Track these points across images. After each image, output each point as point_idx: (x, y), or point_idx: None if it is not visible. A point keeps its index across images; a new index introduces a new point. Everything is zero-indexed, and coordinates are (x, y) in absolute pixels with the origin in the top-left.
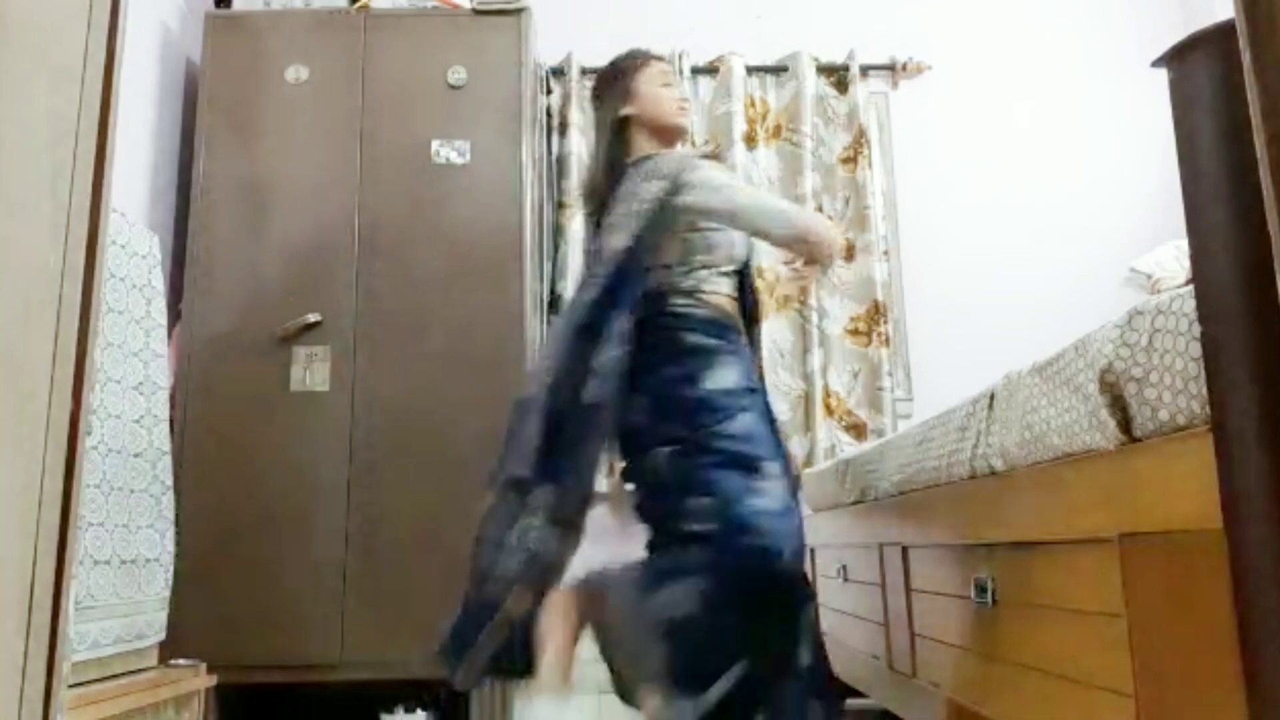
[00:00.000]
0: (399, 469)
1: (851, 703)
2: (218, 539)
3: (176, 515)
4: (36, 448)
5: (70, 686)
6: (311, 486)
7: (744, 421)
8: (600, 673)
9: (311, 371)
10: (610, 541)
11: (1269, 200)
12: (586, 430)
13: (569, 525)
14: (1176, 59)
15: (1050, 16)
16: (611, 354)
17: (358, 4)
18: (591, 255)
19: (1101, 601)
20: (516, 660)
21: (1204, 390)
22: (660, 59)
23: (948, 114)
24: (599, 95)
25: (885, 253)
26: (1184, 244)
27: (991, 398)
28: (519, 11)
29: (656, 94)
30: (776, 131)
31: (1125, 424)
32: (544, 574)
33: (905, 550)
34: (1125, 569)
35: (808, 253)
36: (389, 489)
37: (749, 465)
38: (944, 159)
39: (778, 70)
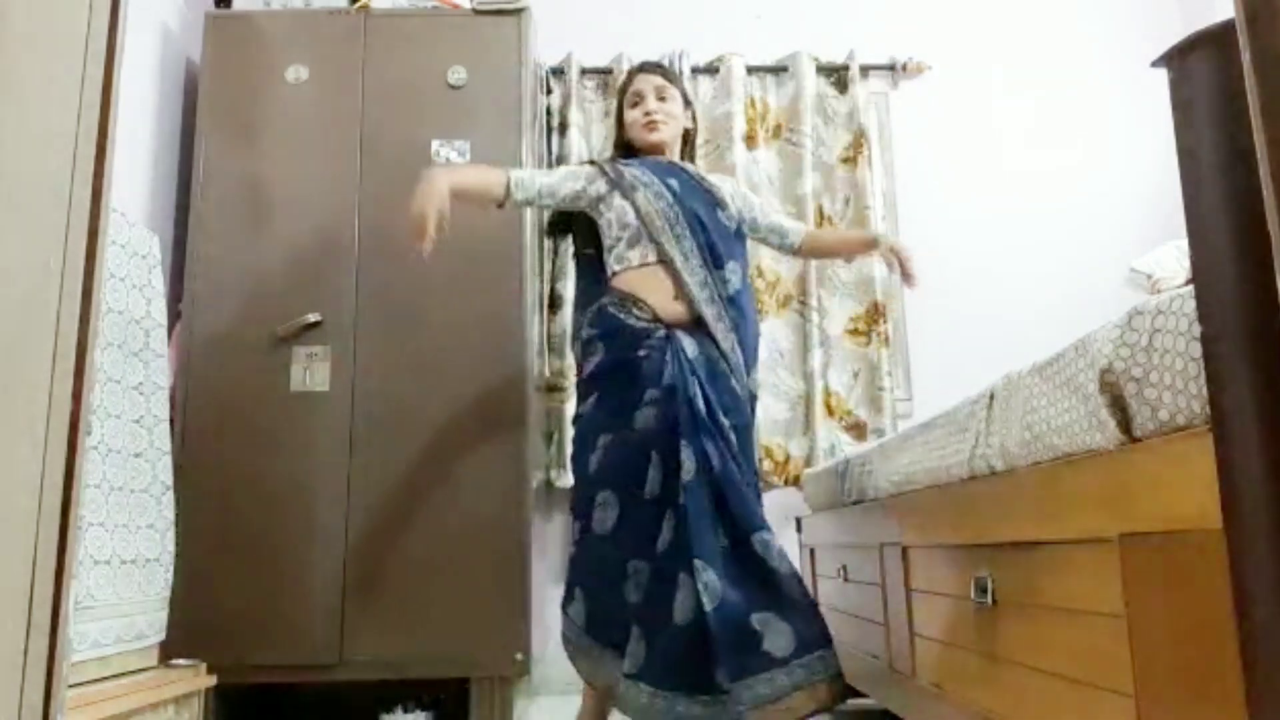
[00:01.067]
0: (399, 469)
1: (852, 703)
2: (218, 539)
3: (176, 515)
4: (36, 448)
5: (70, 686)
6: (311, 486)
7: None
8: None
9: (311, 371)
10: None
11: (1269, 200)
12: None
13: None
14: (1176, 59)
15: (1050, 17)
16: None
17: (358, 4)
18: None
19: (1101, 601)
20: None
21: (1204, 390)
22: (639, 71)
23: (948, 114)
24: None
25: None
26: (1184, 244)
27: (991, 398)
28: (519, 11)
29: (629, 118)
30: (776, 131)
31: (1125, 424)
32: None
33: (905, 550)
34: (1125, 569)
35: None
36: (389, 489)
37: None
38: (944, 159)
39: (778, 70)
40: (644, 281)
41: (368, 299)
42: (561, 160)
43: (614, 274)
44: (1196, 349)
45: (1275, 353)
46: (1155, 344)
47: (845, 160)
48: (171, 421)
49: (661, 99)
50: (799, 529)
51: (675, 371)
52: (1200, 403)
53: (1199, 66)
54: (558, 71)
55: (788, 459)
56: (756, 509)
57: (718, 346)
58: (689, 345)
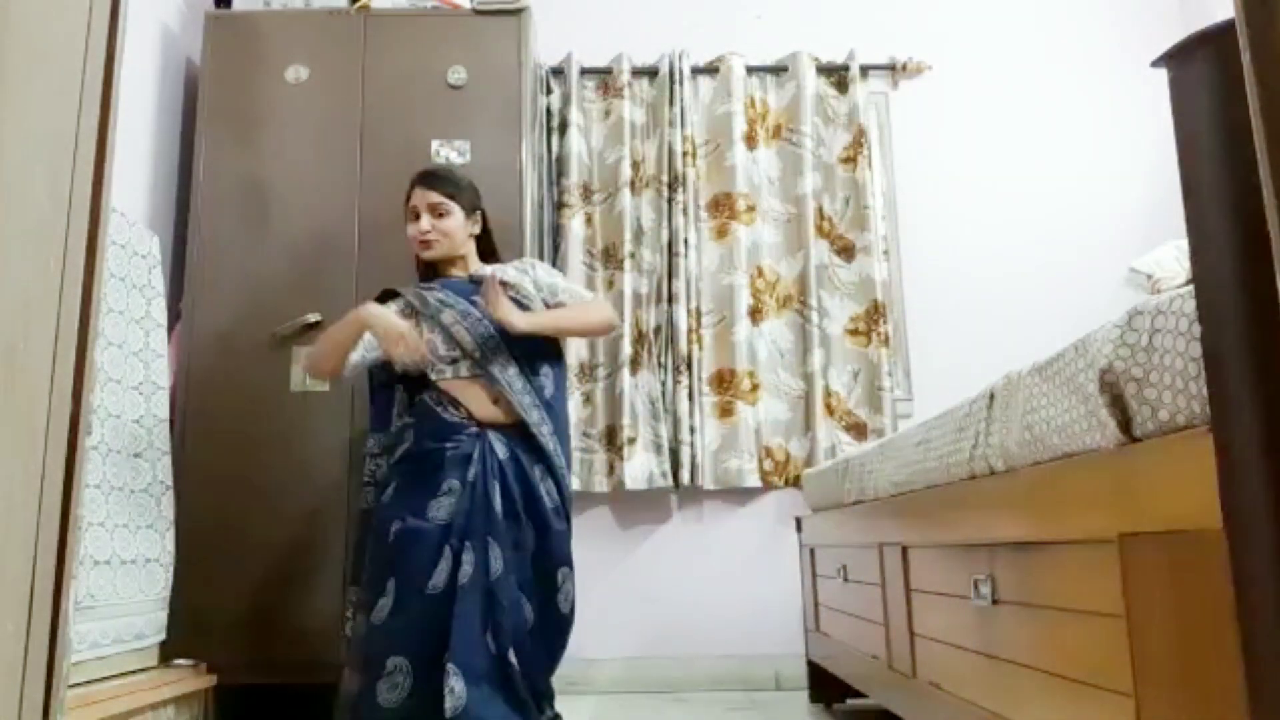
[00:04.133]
0: None
1: (851, 702)
2: (218, 539)
3: (176, 515)
4: (36, 448)
5: (70, 686)
6: (311, 486)
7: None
8: (599, 672)
9: None
10: None
11: (1269, 200)
12: (368, 534)
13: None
14: (1176, 59)
15: (1050, 17)
16: None
17: (358, 4)
18: None
19: (1101, 601)
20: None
21: (1204, 390)
22: (416, 183)
23: (948, 114)
24: None
25: (885, 253)
26: (1184, 244)
27: (991, 398)
28: (519, 11)
29: (408, 231)
30: (776, 131)
31: (1125, 424)
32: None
33: (905, 550)
34: (1125, 569)
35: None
36: None
37: None
38: (944, 159)
39: (778, 70)
40: (464, 389)
41: (367, 298)
42: (562, 160)
43: (436, 379)
44: (1196, 349)
45: (1275, 353)
46: (1155, 344)
47: (845, 160)
48: (171, 421)
49: (438, 215)
50: (799, 529)
51: (479, 470)
52: (1200, 403)
53: (1199, 66)
54: (558, 71)
55: (788, 459)
56: (519, 622)
57: (540, 449)
58: (500, 446)
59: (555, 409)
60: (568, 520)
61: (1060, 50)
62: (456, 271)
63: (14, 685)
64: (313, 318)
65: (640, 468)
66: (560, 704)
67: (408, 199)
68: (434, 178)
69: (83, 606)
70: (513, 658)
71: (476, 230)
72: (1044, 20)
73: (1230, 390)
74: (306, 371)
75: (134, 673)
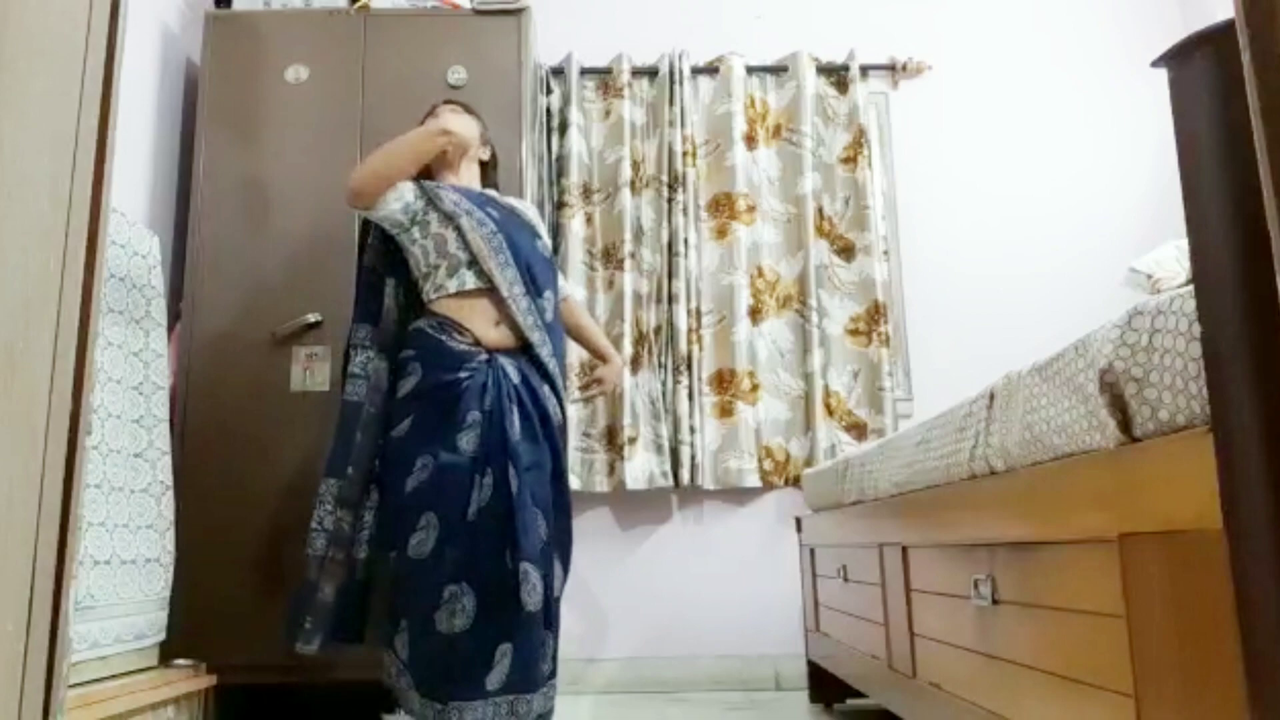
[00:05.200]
0: None
1: (851, 702)
2: (218, 539)
3: (176, 515)
4: (36, 448)
5: (70, 686)
6: (311, 487)
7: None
8: (599, 672)
9: (311, 372)
10: None
11: (1269, 200)
12: (350, 425)
13: (353, 507)
14: (1176, 59)
15: (1050, 16)
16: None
17: (358, 4)
18: None
19: (1101, 601)
20: (349, 626)
21: (1204, 390)
22: (440, 105)
23: (948, 114)
24: None
25: (885, 253)
26: (1184, 244)
27: (991, 398)
28: (519, 11)
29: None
30: (776, 131)
31: (1125, 424)
32: (344, 548)
33: (905, 550)
34: (1125, 569)
35: None
36: None
37: None
38: (944, 159)
39: (778, 70)
40: (463, 308)
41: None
42: (562, 160)
43: (430, 300)
44: (1196, 349)
45: (1275, 353)
46: (1155, 344)
47: (845, 160)
48: (171, 421)
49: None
50: (799, 529)
51: (495, 396)
52: (1200, 403)
53: (1199, 66)
54: (558, 71)
55: (788, 459)
56: (536, 540)
57: (543, 369)
58: (512, 371)
59: (554, 330)
60: (564, 441)
61: (1060, 50)
62: (454, 179)
63: (14, 685)
64: (312, 318)
65: (640, 468)
66: (560, 703)
67: (426, 117)
68: (456, 101)
69: (83, 606)
70: (521, 571)
71: (485, 156)
72: (1044, 20)
73: (1230, 390)
74: (369, 176)
75: (134, 673)
